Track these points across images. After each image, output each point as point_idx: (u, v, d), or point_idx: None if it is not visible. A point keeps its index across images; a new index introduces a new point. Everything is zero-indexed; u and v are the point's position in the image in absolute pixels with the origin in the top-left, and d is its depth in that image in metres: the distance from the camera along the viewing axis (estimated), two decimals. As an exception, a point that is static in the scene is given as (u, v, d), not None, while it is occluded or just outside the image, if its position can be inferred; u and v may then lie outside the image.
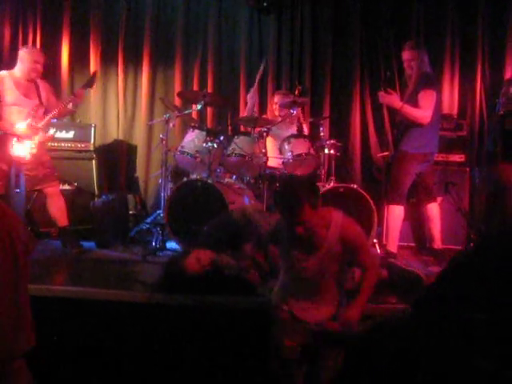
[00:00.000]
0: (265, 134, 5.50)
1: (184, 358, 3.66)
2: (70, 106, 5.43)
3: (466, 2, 6.80)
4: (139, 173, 7.21)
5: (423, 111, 4.99)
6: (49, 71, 6.97)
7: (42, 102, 5.26)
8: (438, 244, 5.34)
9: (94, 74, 5.76)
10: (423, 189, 5.36)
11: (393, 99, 5.18)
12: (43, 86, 5.36)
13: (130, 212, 6.58)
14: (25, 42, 7.16)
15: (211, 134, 5.57)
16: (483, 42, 6.76)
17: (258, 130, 5.69)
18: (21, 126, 5.04)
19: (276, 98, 6.23)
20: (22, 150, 5.04)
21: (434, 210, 5.38)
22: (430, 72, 5.24)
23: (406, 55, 5.22)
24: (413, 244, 5.76)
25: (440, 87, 6.04)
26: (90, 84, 5.51)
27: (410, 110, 5.05)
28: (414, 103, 5.03)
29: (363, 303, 3.14)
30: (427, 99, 5.00)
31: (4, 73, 5.18)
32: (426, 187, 5.36)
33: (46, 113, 5.26)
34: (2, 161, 5.05)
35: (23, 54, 5.21)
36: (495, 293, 2.06)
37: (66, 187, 6.05)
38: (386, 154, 5.63)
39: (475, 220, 5.90)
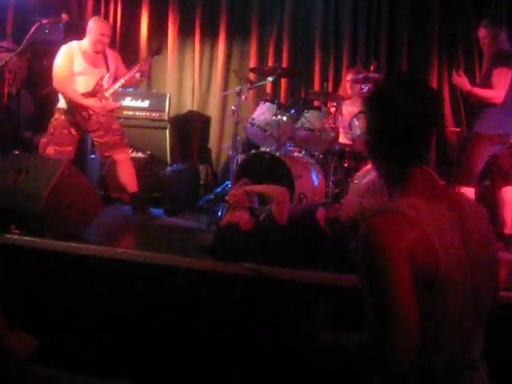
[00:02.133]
0: (335, 109, 5.45)
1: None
2: (138, 75, 5.46)
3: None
4: (212, 144, 7.30)
5: (495, 91, 4.82)
6: (128, 42, 7.22)
7: (109, 71, 5.36)
8: (509, 229, 5.18)
9: (161, 42, 5.76)
10: (498, 172, 5.22)
11: (463, 81, 5.03)
12: (112, 56, 5.45)
13: (201, 182, 6.69)
14: (106, 13, 7.36)
15: (282, 108, 5.58)
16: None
17: (329, 105, 5.65)
18: (87, 94, 5.18)
19: (349, 76, 6.17)
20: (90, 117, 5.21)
21: (508, 194, 5.19)
22: (506, 49, 5.02)
23: (481, 33, 5.09)
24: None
25: None
26: (157, 52, 5.60)
27: (480, 92, 4.91)
28: (488, 83, 4.88)
29: None
30: (500, 77, 4.82)
31: (73, 43, 5.28)
32: (502, 170, 5.21)
33: (114, 82, 5.37)
34: (71, 126, 5.23)
35: (91, 24, 5.28)
36: None
37: (140, 155, 6.20)
38: (458, 129, 5.50)
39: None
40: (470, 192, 5.00)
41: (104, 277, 3.90)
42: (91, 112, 5.19)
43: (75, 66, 5.18)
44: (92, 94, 5.21)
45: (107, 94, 5.28)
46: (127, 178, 5.41)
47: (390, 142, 1.77)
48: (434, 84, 6.64)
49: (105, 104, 5.26)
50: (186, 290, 3.82)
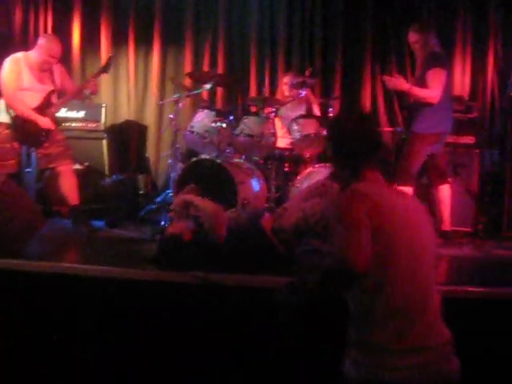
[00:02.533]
0: (274, 114, 5.50)
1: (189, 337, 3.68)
2: (88, 93, 5.38)
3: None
4: (149, 153, 7.23)
5: (431, 91, 4.96)
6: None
7: (55, 87, 5.29)
8: (446, 226, 5.32)
9: (110, 58, 5.68)
10: (435, 170, 5.36)
11: (399, 82, 5.15)
12: (58, 71, 5.36)
13: (141, 192, 6.63)
14: (36, 24, 7.20)
15: (220, 114, 5.59)
16: (496, 23, 6.71)
17: (267, 110, 5.70)
18: (35, 110, 5.11)
19: (286, 79, 6.23)
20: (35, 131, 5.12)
21: (445, 191, 5.35)
22: (438, 51, 5.18)
23: (411, 38, 5.22)
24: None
25: (451, 66, 5.97)
26: (105, 69, 5.50)
27: (418, 91, 5.04)
28: (423, 84, 5.01)
29: None
30: (435, 78, 4.96)
31: (19, 55, 5.16)
32: (438, 169, 5.36)
33: (59, 97, 5.31)
34: (14, 140, 5.11)
35: (42, 42, 5.19)
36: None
37: (77, 167, 6.07)
38: (391, 129, 5.63)
39: (484, 202, 5.89)
40: (408, 191, 5.13)
41: (48, 293, 3.81)
42: (39, 127, 5.12)
43: (22, 80, 5.10)
44: (39, 109, 5.13)
45: (55, 111, 5.28)
46: (69, 190, 5.30)
47: (346, 157, 2.44)
48: (368, 86, 6.79)
49: (50, 122, 5.19)
50: (133, 301, 3.78)
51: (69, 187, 5.31)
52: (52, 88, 5.25)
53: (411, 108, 5.32)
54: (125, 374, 3.68)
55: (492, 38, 6.71)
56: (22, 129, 5.09)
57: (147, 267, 3.96)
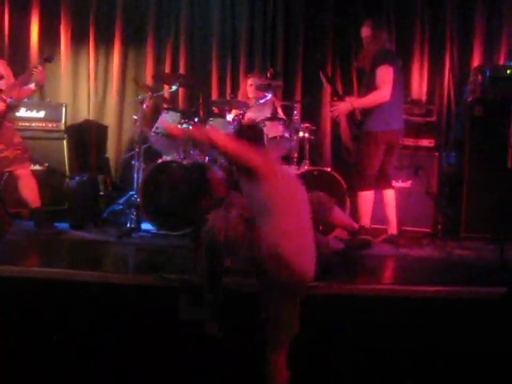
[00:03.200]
0: (241, 116, 5.53)
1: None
2: (33, 85, 5.22)
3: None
4: (110, 153, 7.16)
5: (380, 90, 4.92)
6: (17, 49, 6.94)
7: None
8: (394, 229, 5.32)
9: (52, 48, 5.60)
10: (381, 174, 5.21)
11: (342, 106, 5.11)
12: (2, 70, 5.23)
13: (101, 193, 6.55)
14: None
15: (186, 116, 5.60)
16: (452, 29, 6.93)
17: (234, 112, 5.73)
18: None
19: (250, 80, 6.25)
20: None
21: (389, 195, 5.30)
22: (386, 48, 5.19)
23: (363, 32, 5.20)
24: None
25: (401, 64, 5.93)
26: (49, 58, 5.30)
27: (365, 101, 5.02)
28: (372, 82, 4.99)
29: None
30: (383, 75, 4.92)
31: None
32: (384, 172, 5.25)
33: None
34: None
35: None
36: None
37: (37, 167, 5.97)
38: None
39: (443, 204, 6.04)
40: (369, 195, 5.18)
41: (16, 297, 3.77)
42: None
43: None
44: None
45: (6, 95, 5.04)
46: (29, 192, 5.19)
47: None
48: (328, 89, 6.87)
49: (3, 106, 5.01)
50: (105, 305, 3.77)
51: (29, 190, 5.20)
52: None
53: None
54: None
55: (449, 44, 6.90)
56: None
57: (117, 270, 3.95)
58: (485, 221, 5.54)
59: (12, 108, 5.20)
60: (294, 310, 3.17)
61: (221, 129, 5.50)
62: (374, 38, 5.10)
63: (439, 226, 5.86)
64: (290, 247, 3.05)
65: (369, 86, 5.10)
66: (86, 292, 3.73)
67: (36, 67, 5.10)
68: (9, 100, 5.04)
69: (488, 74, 5.97)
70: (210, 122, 5.60)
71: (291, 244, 3.07)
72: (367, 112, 5.07)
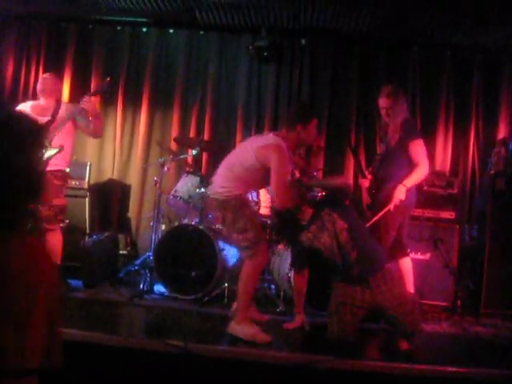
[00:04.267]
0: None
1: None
2: (82, 108, 5.13)
3: (462, 62, 7.00)
4: (131, 213, 7.22)
5: (423, 165, 4.86)
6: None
7: (54, 119, 5.03)
8: None
9: (109, 80, 5.30)
10: (397, 242, 5.03)
11: (400, 192, 4.84)
12: (66, 108, 5.21)
13: (120, 252, 6.59)
14: (26, 78, 7.29)
15: (204, 180, 5.63)
16: (477, 101, 6.96)
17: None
18: None
19: None
20: None
21: (406, 264, 5.11)
22: (409, 118, 5.12)
23: (381, 103, 5.02)
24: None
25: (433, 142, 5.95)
26: (101, 90, 5.37)
27: (414, 179, 4.89)
28: (402, 153, 4.92)
29: None
30: (418, 150, 4.89)
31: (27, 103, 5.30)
32: (400, 241, 5.08)
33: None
34: None
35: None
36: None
37: (59, 224, 6.04)
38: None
39: (463, 277, 5.93)
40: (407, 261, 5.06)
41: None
42: None
43: None
44: None
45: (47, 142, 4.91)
46: (51, 248, 5.06)
47: None
48: (351, 159, 6.89)
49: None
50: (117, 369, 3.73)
51: (51, 245, 5.10)
52: (47, 118, 4.99)
53: (378, 179, 5.11)
54: None
55: (474, 117, 6.91)
56: None
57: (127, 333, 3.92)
58: (506, 297, 5.41)
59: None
60: None
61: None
62: (397, 107, 4.94)
63: (458, 301, 5.72)
64: None
65: (394, 157, 4.99)
66: (87, 353, 3.69)
67: (84, 97, 5.12)
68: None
69: (511, 146, 5.94)
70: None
71: None
72: (384, 183, 4.99)
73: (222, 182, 4.33)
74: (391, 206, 4.77)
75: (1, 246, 1.52)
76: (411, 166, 4.90)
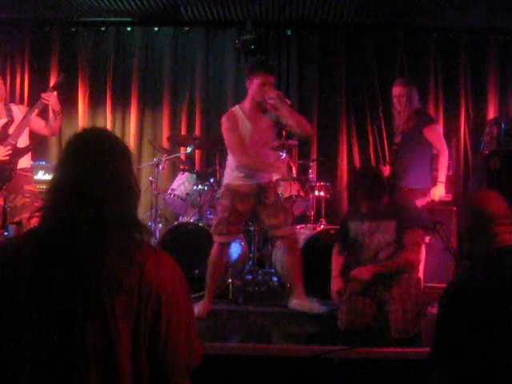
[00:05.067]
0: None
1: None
2: (52, 115, 5.04)
3: (448, 44, 7.02)
4: (127, 214, 7.17)
5: (444, 149, 4.96)
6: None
7: (13, 119, 4.95)
8: None
9: (61, 77, 5.27)
10: None
11: (439, 190, 5.02)
12: (20, 108, 5.11)
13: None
14: (12, 83, 7.22)
15: (201, 177, 5.62)
16: (466, 82, 7.00)
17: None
18: None
19: None
20: None
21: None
22: (421, 108, 5.23)
23: (396, 91, 5.16)
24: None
25: None
26: (57, 85, 5.14)
27: (444, 168, 4.98)
28: (419, 139, 4.99)
29: (376, 268, 3.92)
30: (435, 135, 4.99)
31: None
32: None
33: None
34: None
35: None
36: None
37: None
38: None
39: (462, 258, 5.94)
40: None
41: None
42: None
43: None
44: None
45: (13, 140, 4.87)
46: None
47: None
48: (344, 148, 6.91)
49: (8, 151, 4.85)
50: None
51: None
52: (6, 120, 4.92)
53: (396, 163, 5.22)
54: None
55: (463, 98, 6.95)
56: None
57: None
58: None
59: (20, 152, 5.00)
60: None
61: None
62: (409, 97, 5.08)
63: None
64: None
65: (411, 145, 5.06)
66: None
67: (47, 94, 4.96)
68: (15, 143, 4.90)
69: (503, 126, 5.96)
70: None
71: None
72: (402, 168, 5.09)
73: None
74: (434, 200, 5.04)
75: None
76: (429, 150, 5.02)
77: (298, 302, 4.65)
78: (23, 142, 4.99)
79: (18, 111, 5.06)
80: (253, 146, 4.59)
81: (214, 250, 4.67)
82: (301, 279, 4.68)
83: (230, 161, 4.66)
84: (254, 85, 4.57)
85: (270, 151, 4.84)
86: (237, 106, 4.69)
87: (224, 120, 4.61)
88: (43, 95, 4.96)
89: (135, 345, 1.56)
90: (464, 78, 6.98)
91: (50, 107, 5.05)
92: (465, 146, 6.95)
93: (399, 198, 4.19)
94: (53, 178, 1.66)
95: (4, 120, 4.95)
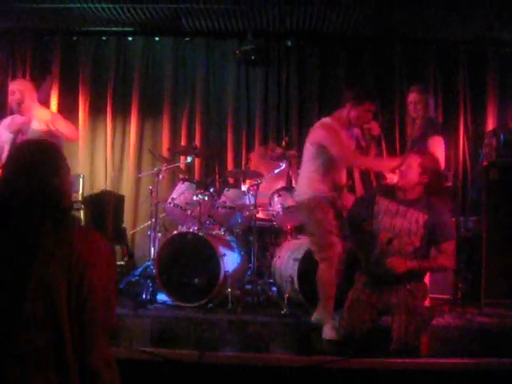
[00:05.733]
0: (256, 186, 5.56)
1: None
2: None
3: (447, 56, 7.06)
4: (126, 223, 7.19)
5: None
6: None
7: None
8: None
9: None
10: None
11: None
12: (42, 116, 5.09)
13: (118, 263, 6.55)
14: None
15: (201, 187, 5.63)
16: (465, 94, 7.03)
17: (249, 182, 5.76)
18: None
19: (260, 151, 6.31)
20: None
21: None
22: (434, 117, 5.25)
23: (412, 97, 5.18)
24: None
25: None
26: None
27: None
28: (422, 147, 4.97)
29: (412, 264, 3.88)
30: (436, 146, 4.97)
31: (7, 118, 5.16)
32: None
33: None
34: None
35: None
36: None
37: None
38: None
39: (461, 269, 5.95)
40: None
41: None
42: None
43: (3, 137, 5.04)
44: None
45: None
46: None
47: None
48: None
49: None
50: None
51: None
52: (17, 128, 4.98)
53: None
54: None
55: (461, 109, 6.98)
56: None
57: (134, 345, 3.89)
58: (506, 286, 5.45)
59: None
60: None
61: (236, 199, 5.55)
62: (425, 104, 5.11)
63: (459, 293, 5.76)
64: None
65: (418, 145, 5.06)
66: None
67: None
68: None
69: (502, 137, 5.97)
70: (226, 193, 5.62)
71: None
72: None
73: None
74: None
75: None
76: None
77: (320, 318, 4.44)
78: None
79: (38, 120, 5.04)
80: (339, 167, 4.56)
81: (327, 268, 4.33)
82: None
83: (317, 172, 4.46)
84: (361, 109, 4.47)
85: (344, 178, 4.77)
86: (329, 119, 4.55)
87: (326, 128, 4.47)
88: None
89: (69, 305, 1.84)
90: (463, 89, 7.01)
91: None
92: (464, 157, 6.97)
93: (435, 201, 4.11)
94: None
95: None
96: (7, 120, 5.21)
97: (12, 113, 5.30)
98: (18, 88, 5.08)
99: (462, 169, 6.92)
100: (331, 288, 4.32)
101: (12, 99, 5.08)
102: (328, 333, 4.21)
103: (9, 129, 5.03)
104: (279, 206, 5.53)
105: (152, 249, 5.80)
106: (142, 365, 3.72)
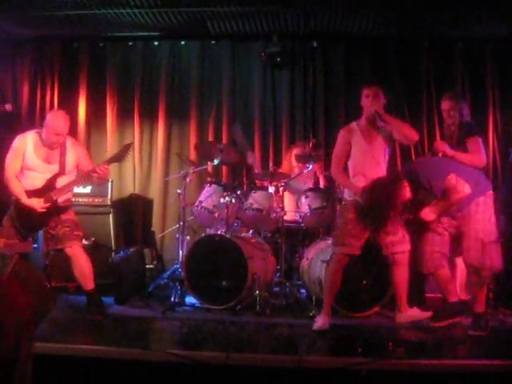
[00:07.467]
0: (282, 188, 5.55)
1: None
2: (96, 178, 4.93)
3: (474, 54, 6.97)
4: (155, 227, 7.25)
5: (476, 155, 4.84)
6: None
7: (64, 169, 4.92)
8: (454, 296, 5.15)
9: (127, 146, 5.01)
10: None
11: (443, 147, 4.97)
12: (74, 151, 5.02)
13: (147, 266, 6.60)
14: (42, 100, 7.34)
15: (228, 189, 5.65)
16: (493, 92, 6.93)
17: (275, 184, 5.75)
18: (34, 193, 4.84)
19: (295, 151, 6.28)
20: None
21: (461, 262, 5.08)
22: (470, 121, 5.16)
23: (445, 105, 5.15)
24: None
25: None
26: (119, 157, 4.95)
27: (463, 156, 4.85)
28: (464, 151, 4.90)
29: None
30: (476, 145, 4.86)
31: (29, 134, 4.93)
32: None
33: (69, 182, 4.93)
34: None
35: (47, 119, 4.91)
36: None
37: (84, 242, 6.04)
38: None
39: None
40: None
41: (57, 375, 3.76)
42: (35, 211, 4.80)
43: (26, 160, 4.85)
44: (40, 192, 4.84)
45: (55, 196, 4.85)
46: (80, 274, 4.94)
47: None
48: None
49: (47, 206, 4.83)
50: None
51: (80, 271, 4.94)
52: (58, 171, 4.91)
53: None
54: None
55: (491, 108, 6.89)
56: (20, 210, 4.85)
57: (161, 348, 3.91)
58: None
59: (58, 210, 4.98)
60: None
61: (264, 201, 5.55)
62: (458, 111, 5.04)
63: (491, 293, 5.66)
64: None
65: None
66: (127, 369, 3.70)
67: (105, 165, 4.88)
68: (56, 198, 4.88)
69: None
70: (253, 195, 5.63)
71: None
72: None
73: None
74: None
75: None
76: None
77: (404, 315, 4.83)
78: (65, 196, 4.99)
79: (72, 154, 5.00)
80: (366, 163, 4.76)
81: (332, 262, 4.73)
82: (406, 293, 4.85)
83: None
84: (362, 101, 4.91)
85: (382, 171, 4.84)
86: (354, 122, 4.96)
87: (340, 133, 4.96)
88: (98, 169, 4.84)
89: None
90: (491, 87, 6.92)
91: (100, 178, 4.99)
92: (494, 157, 6.88)
93: None
94: None
95: (55, 167, 4.92)
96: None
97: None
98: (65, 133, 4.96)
99: (492, 168, 6.81)
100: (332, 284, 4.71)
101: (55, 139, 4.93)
102: (319, 322, 4.55)
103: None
104: (307, 207, 5.52)
105: (180, 252, 5.84)
106: (171, 367, 3.75)
